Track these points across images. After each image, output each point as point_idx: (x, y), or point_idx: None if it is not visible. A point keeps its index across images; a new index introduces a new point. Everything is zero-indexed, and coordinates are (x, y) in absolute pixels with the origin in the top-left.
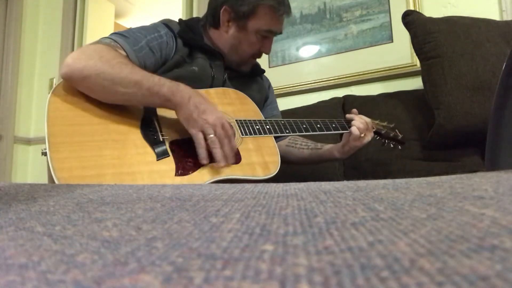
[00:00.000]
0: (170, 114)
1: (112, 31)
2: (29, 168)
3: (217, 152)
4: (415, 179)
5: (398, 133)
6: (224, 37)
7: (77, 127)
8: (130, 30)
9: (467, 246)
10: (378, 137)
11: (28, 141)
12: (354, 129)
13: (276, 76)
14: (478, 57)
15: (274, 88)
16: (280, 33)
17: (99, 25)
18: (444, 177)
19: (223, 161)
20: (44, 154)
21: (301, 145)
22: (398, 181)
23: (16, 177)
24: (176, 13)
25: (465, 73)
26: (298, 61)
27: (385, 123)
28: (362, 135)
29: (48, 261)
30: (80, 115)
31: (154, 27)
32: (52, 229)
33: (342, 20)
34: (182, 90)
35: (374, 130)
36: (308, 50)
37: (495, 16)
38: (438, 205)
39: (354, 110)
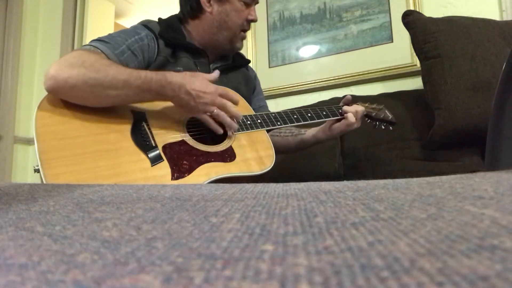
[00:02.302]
0: (160, 117)
1: (112, 31)
2: (29, 168)
3: (226, 120)
4: (415, 179)
5: (388, 113)
6: (209, 18)
7: (67, 140)
8: (110, 35)
9: (467, 246)
10: (369, 120)
11: (28, 141)
12: (350, 116)
13: (276, 76)
14: (478, 57)
15: (274, 88)
16: (257, 2)
17: (99, 25)
18: (444, 177)
19: (233, 124)
20: (37, 171)
21: (285, 133)
22: (398, 181)
23: (16, 177)
24: (176, 13)
25: (465, 73)
26: (298, 61)
27: (374, 105)
28: (354, 120)
29: (48, 261)
30: (69, 128)
31: (133, 29)
32: (52, 229)
33: (342, 20)
34: (170, 82)
35: (364, 113)
36: (308, 50)
37: (495, 16)
38: (438, 205)
39: (348, 96)
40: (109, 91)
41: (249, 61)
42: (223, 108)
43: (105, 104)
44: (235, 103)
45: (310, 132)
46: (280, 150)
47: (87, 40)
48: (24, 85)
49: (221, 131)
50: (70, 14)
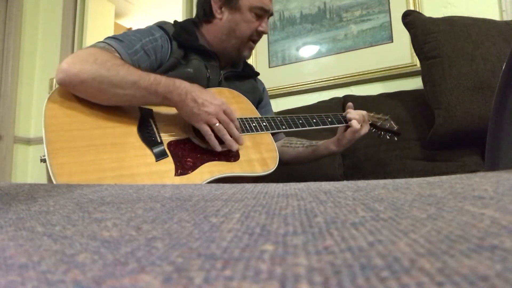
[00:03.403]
0: (166, 115)
1: (112, 31)
2: (29, 168)
3: (227, 138)
4: (415, 179)
5: (393, 124)
6: (219, 25)
7: (75, 132)
8: (125, 33)
9: (467, 246)
10: (374, 129)
11: (28, 141)
12: (354, 123)
13: (276, 76)
14: (478, 57)
15: (274, 88)
16: (272, 14)
17: (99, 25)
18: (444, 177)
19: (234, 144)
20: (43, 161)
21: (296, 144)
22: (398, 181)
23: (16, 177)
24: (176, 13)
25: (465, 73)
26: (298, 61)
27: (380, 115)
28: (359, 126)
29: (48, 261)
30: (77, 121)
31: (148, 30)
32: (52, 229)
33: (342, 20)
34: (178, 87)
35: (369, 122)
36: (308, 50)
37: (495, 16)
38: (438, 205)
39: (350, 104)
40: (117, 89)
41: (258, 74)
42: (226, 125)
43: (110, 102)
44: (236, 126)
45: (322, 144)
46: (291, 162)
47: (87, 40)
48: (24, 85)
49: (219, 148)
50: (70, 14)
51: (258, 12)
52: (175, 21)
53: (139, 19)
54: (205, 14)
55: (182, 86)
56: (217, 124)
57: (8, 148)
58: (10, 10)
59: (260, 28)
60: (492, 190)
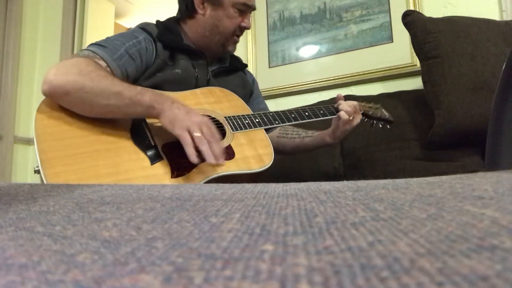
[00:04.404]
0: None
1: (112, 31)
2: (29, 168)
3: (206, 150)
4: (415, 179)
5: (385, 112)
6: (202, 20)
7: (67, 140)
8: (108, 39)
9: (467, 246)
10: (366, 119)
11: (28, 141)
12: (342, 114)
13: (276, 76)
14: (478, 57)
15: (274, 88)
16: (254, 8)
17: (99, 25)
18: (444, 177)
19: (212, 158)
20: (37, 172)
21: (292, 134)
22: (398, 181)
23: (16, 177)
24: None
25: (465, 73)
26: (298, 61)
27: (371, 104)
28: (351, 117)
29: (48, 261)
30: (68, 129)
31: (131, 33)
32: (52, 229)
33: (342, 20)
34: (167, 97)
35: (361, 112)
36: (308, 50)
37: (495, 16)
38: (438, 205)
39: (339, 95)
40: (100, 100)
41: (246, 66)
42: (208, 138)
43: (94, 113)
44: (219, 143)
45: (318, 135)
46: (287, 152)
47: (87, 40)
48: (24, 85)
49: (195, 159)
50: (70, 14)
51: (241, 8)
52: (158, 21)
53: (139, 19)
54: (187, 9)
55: (170, 96)
56: (198, 134)
57: (8, 148)
58: (10, 10)
59: (243, 24)
60: (492, 190)
